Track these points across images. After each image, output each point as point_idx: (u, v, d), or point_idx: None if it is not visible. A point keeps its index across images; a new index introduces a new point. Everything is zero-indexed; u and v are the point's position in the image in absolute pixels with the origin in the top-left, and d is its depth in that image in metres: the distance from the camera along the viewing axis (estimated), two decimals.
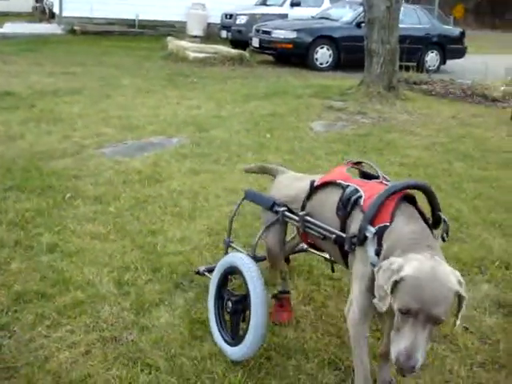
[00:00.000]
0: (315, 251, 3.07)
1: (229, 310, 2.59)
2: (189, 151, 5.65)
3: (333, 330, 2.85)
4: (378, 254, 2.12)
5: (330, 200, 2.43)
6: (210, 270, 2.95)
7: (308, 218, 2.50)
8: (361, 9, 12.96)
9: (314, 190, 2.53)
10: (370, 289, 2.10)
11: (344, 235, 2.29)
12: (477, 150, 6.35)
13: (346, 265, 2.40)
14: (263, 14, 14.71)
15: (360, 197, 2.30)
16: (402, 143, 6.47)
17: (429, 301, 1.83)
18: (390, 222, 2.13)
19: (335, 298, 3.16)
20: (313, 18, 13.85)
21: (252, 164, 3.15)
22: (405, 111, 8.13)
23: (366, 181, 2.49)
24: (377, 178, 2.52)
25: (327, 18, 13.42)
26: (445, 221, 2.30)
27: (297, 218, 2.56)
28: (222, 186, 4.73)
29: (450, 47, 13.69)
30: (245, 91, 8.99)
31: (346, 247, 2.27)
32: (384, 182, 2.46)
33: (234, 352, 2.51)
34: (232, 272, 2.67)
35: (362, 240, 2.18)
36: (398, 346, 1.85)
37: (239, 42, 14.51)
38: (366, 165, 2.67)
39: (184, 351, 2.60)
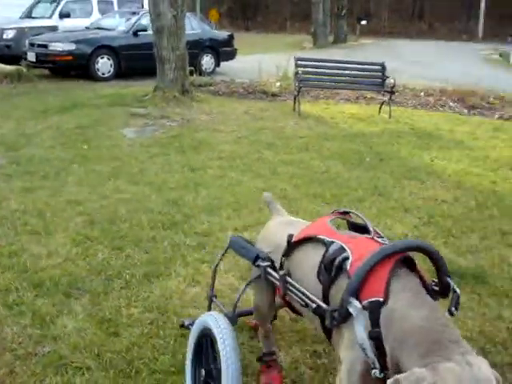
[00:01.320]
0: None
1: (202, 379, 2.29)
2: (12, 171, 5.45)
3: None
4: (373, 338, 1.72)
5: (310, 260, 2.06)
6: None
7: (289, 280, 2.13)
8: (134, 18, 13.31)
9: (292, 245, 2.18)
10: (363, 377, 1.77)
11: (325, 307, 1.91)
12: (277, 139, 7.15)
13: (329, 339, 2.01)
14: (32, 27, 14.11)
15: (346, 258, 1.90)
16: (212, 140, 6.99)
17: None
18: (385, 298, 1.73)
19: None
20: (88, 28, 13.73)
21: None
22: (203, 112, 8.69)
23: (353, 235, 2.09)
24: (367, 231, 2.11)
25: (102, 28, 13.43)
26: (455, 290, 1.89)
27: (277, 276, 2.19)
28: (63, 199, 4.72)
29: (222, 50, 14.68)
30: (40, 107, 8.70)
31: (327, 323, 1.88)
32: (376, 237, 2.05)
33: None
34: (208, 335, 2.28)
35: (344, 316, 1.79)
36: None
37: (8, 57, 13.72)
38: (353, 215, 2.31)
39: (106, 348, 2.73)
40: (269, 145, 6.85)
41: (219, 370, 2.13)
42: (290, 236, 2.19)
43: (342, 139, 7.27)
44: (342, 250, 1.94)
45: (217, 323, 2.22)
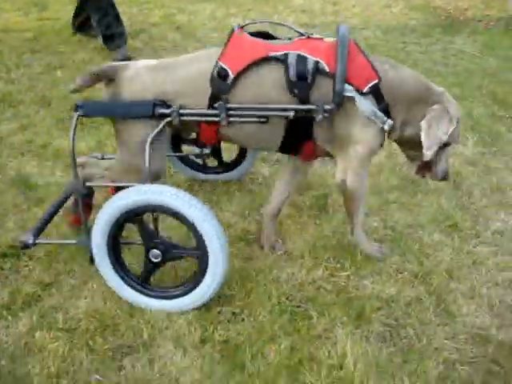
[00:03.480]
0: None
1: (158, 259, 2.07)
2: None
3: None
4: (382, 110, 2.09)
5: (264, 81, 2.06)
6: (40, 231, 2.16)
7: (235, 105, 2.06)
8: None
9: (234, 78, 2.04)
10: (375, 148, 2.18)
11: (313, 106, 2.02)
12: None
13: (285, 148, 2.23)
14: None
15: (317, 62, 2.03)
16: None
17: None
18: (378, 77, 2.07)
19: None
20: None
21: (80, 79, 2.15)
22: None
23: (293, 42, 2.12)
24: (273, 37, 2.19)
25: None
26: None
27: (210, 111, 2.08)
28: None
29: None
30: None
31: (319, 117, 2.03)
32: (311, 36, 2.15)
33: (191, 299, 2.10)
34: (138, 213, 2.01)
35: (340, 103, 2.01)
36: (444, 167, 2.26)
37: None
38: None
39: None
40: None
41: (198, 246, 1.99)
42: (223, 70, 2.05)
43: None
44: (303, 58, 2.02)
45: (173, 196, 1.92)
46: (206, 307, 2.15)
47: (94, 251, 2.05)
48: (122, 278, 2.11)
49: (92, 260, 2.13)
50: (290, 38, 2.15)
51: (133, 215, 2.00)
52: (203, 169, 3.00)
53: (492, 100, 4.04)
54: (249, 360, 1.93)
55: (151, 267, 2.10)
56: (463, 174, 3.13)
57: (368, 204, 2.37)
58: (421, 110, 2.15)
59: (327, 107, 2.02)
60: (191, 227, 1.95)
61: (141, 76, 2.11)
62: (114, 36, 4.61)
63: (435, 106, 2.13)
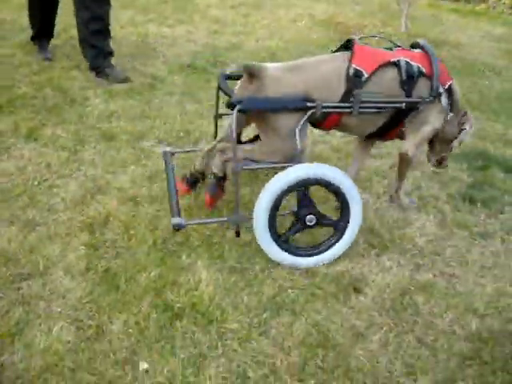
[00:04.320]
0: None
1: (313, 223, 2.67)
2: None
3: None
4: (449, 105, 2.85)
5: (387, 79, 2.71)
6: (179, 211, 2.68)
7: (366, 99, 2.66)
8: None
9: (368, 76, 2.65)
10: (437, 131, 2.91)
11: (418, 100, 2.74)
12: None
13: (380, 133, 2.91)
14: None
15: (419, 66, 2.74)
16: None
17: None
18: (451, 81, 2.82)
19: None
20: None
21: (233, 65, 2.49)
22: None
23: (397, 51, 2.82)
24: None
25: None
26: None
27: (345, 104, 2.65)
28: None
29: None
30: None
31: (422, 107, 2.77)
32: (403, 47, 2.89)
33: (336, 250, 2.75)
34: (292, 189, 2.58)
35: (435, 97, 2.77)
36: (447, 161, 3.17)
37: None
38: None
39: None
40: None
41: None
42: (358, 71, 2.64)
43: None
44: (409, 63, 2.73)
45: (326, 169, 2.60)
46: (93, 247, 2.67)
47: (255, 222, 2.58)
48: (276, 242, 2.64)
49: (238, 233, 2.67)
50: (390, 48, 2.87)
51: (293, 189, 2.56)
52: None
53: None
54: (123, 283, 2.46)
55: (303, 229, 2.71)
56: (331, 158, 3.76)
57: None
58: (457, 116, 2.93)
59: (427, 99, 2.76)
60: (340, 195, 2.64)
61: (283, 76, 2.60)
62: (41, 37, 5.04)
63: (468, 117, 2.96)
